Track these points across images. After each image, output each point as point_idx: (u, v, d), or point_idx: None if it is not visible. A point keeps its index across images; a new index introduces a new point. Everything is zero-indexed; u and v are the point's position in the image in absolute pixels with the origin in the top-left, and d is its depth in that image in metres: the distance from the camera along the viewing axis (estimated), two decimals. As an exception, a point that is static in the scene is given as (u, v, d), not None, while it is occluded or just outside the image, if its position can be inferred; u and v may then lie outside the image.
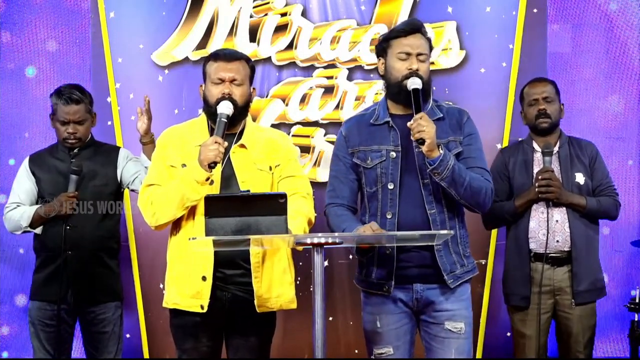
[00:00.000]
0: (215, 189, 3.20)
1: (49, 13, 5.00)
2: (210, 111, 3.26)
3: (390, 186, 3.20)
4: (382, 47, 3.28)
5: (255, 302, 3.20)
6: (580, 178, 4.06)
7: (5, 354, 4.95)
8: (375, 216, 3.21)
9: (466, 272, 3.25)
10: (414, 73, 3.17)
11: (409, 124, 3.07)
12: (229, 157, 3.26)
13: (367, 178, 3.26)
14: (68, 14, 5.00)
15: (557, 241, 3.99)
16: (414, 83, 3.14)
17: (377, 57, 3.32)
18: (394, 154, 3.21)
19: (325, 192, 3.37)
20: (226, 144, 3.15)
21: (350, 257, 4.84)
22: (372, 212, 3.24)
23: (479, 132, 3.33)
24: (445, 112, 3.29)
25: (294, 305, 3.34)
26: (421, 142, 3.04)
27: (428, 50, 3.24)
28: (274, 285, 3.24)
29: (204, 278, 3.18)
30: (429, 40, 3.27)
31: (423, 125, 3.03)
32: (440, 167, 3.07)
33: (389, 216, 3.19)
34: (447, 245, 3.19)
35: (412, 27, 3.23)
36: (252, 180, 3.24)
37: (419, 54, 3.20)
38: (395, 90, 3.22)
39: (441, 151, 3.08)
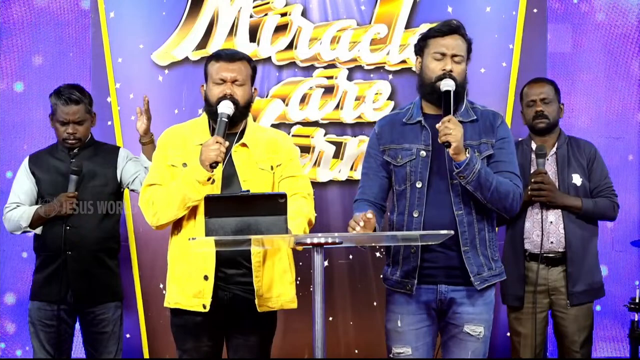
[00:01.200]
0: (216, 188, 3.21)
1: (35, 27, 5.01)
2: (212, 111, 3.26)
3: (419, 185, 3.20)
4: (419, 45, 3.28)
5: (256, 301, 3.20)
6: (577, 179, 4.05)
7: (19, 353, 4.96)
8: (403, 214, 3.21)
9: (493, 276, 3.24)
10: (447, 74, 3.16)
11: (437, 126, 3.08)
12: (230, 156, 3.26)
13: (396, 176, 3.27)
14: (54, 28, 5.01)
15: (552, 242, 3.99)
16: (447, 85, 3.14)
17: (415, 55, 3.31)
18: (424, 153, 3.21)
19: (357, 189, 3.38)
20: (227, 143, 3.15)
21: (350, 257, 4.84)
22: (400, 210, 3.25)
23: (512, 136, 3.33)
24: (479, 114, 3.28)
25: (294, 305, 3.34)
26: (447, 145, 3.05)
27: (465, 52, 3.23)
28: (274, 284, 3.24)
29: (206, 277, 3.18)
30: (468, 42, 3.26)
31: (450, 129, 3.03)
32: (466, 170, 3.07)
33: (415, 215, 3.19)
34: (475, 247, 3.19)
35: (450, 28, 3.22)
36: (253, 179, 3.25)
37: (454, 55, 3.20)
38: (428, 90, 3.22)
39: (467, 155, 3.07)
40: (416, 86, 3.31)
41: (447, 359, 3.26)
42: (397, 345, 3.25)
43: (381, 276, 3.39)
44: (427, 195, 3.19)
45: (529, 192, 3.94)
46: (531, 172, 4.05)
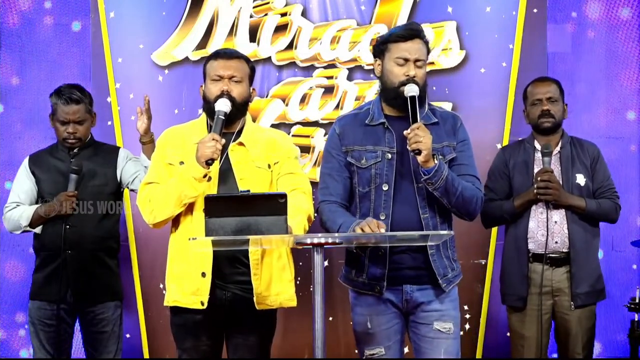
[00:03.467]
0: (213, 186, 3.22)
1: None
2: (210, 109, 3.27)
3: (385, 187, 3.20)
4: (380, 48, 3.28)
5: (255, 299, 3.21)
6: (580, 179, 4.05)
7: (23, 353, 4.96)
8: (367, 216, 3.19)
9: (456, 276, 3.28)
10: (411, 80, 3.17)
11: (405, 132, 3.08)
12: (227, 154, 3.27)
13: (360, 178, 3.26)
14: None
15: (556, 242, 3.99)
16: (411, 90, 3.15)
17: (374, 57, 3.32)
18: (389, 155, 3.21)
19: (318, 190, 3.36)
20: (224, 141, 3.17)
21: (350, 257, 4.84)
22: (363, 212, 3.24)
23: (470, 138, 3.34)
24: (439, 116, 3.30)
25: (293, 303, 3.34)
26: (417, 152, 3.05)
27: (426, 56, 3.25)
28: (273, 282, 3.25)
29: (203, 274, 3.19)
30: (427, 44, 3.26)
31: (420, 136, 3.04)
32: (435, 177, 3.08)
33: (382, 217, 3.19)
34: (439, 249, 3.21)
35: (411, 33, 3.23)
36: (250, 178, 3.25)
37: (416, 60, 3.20)
38: (392, 95, 3.23)
39: (436, 161, 3.09)
40: (378, 89, 3.32)
41: (422, 358, 3.25)
42: (370, 347, 3.26)
43: (339, 278, 3.37)
44: (394, 197, 3.19)
45: (535, 191, 3.94)
46: (535, 171, 4.05)
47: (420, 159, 3.06)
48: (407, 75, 3.18)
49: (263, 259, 3.23)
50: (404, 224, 3.17)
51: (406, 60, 3.20)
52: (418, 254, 3.19)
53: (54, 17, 5.02)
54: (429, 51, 3.28)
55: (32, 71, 5.01)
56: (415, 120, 3.09)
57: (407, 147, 3.08)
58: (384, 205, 3.19)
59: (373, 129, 3.27)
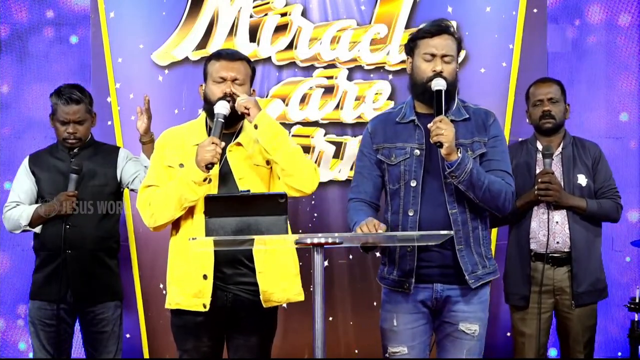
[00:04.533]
0: (213, 188, 3.21)
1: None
2: (210, 110, 3.27)
3: (413, 184, 3.20)
4: (409, 46, 3.29)
5: (261, 297, 3.20)
6: (582, 180, 4.05)
7: (22, 345, 4.96)
8: (398, 214, 3.21)
9: (487, 274, 3.24)
10: (438, 74, 3.17)
11: (428, 125, 3.09)
12: (226, 155, 3.26)
13: (390, 175, 3.27)
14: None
15: (557, 242, 3.99)
16: (438, 84, 3.15)
17: (406, 55, 3.32)
18: (417, 152, 3.21)
19: (350, 188, 3.38)
20: (223, 144, 3.16)
21: (350, 257, 4.84)
22: (394, 209, 3.25)
23: (504, 134, 3.33)
24: (471, 112, 3.28)
25: (301, 297, 3.33)
26: (439, 145, 3.05)
27: (455, 52, 3.23)
28: (279, 278, 3.24)
29: (204, 277, 3.18)
30: (458, 40, 3.26)
31: (442, 129, 3.04)
32: (458, 170, 3.07)
33: (410, 214, 3.19)
34: (470, 245, 3.19)
35: (439, 28, 3.22)
36: (249, 176, 3.25)
37: (444, 56, 3.19)
38: (420, 91, 3.23)
39: (459, 154, 3.08)
40: (407, 86, 3.33)
41: (442, 358, 3.26)
42: (393, 345, 3.25)
43: (377, 278, 3.39)
44: (422, 194, 3.19)
45: (536, 192, 3.94)
46: (536, 171, 4.05)
47: (442, 151, 3.06)
48: (434, 71, 3.18)
49: (267, 256, 3.23)
50: (431, 220, 3.16)
51: (433, 55, 3.19)
52: (447, 251, 3.18)
53: (53, 28, 5.03)
54: (460, 47, 3.28)
55: (33, 71, 5.02)
56: (439, 114, 3.09)
57: (430, 139, 3.08)
58: (412, 202, 3.19)
59: (404, 126, 3.27)
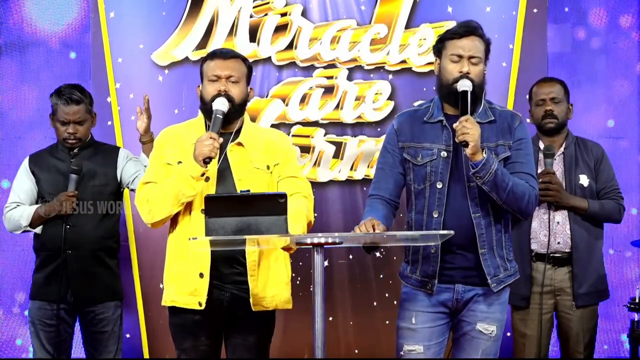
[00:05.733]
0: (211, 186, 3.21)
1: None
2: (207, 109, 3.27)
3: (439, 185, 3.19)
4: (437, 47, 3.28)
5: (251, 300, 3.20)
6: (584, 180, 4.05)
7: (19, 342, 4.97)
8: (422, 214, 3.21)
9: (509, 277, 3.24)
10: (464, 76, 3.16)
11: (454, 125, 3.08)
12: (225, 155, 3.26)
13: (415, 175, 3.25)
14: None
15: (558, 243, 3.99)
16: (464, 85, 3.14)
17: (434, 56, 3.31)
18: (445, 154, 3.20)
19: (371, 183, 3.36)
20: (221, 140, 3.16)
21: (350, 257, 4.84)
22: (418, 209, 3.24)
23: (530, 138, 3.32)
24: (497, 115, 3.27)
25: (289, 306, 3.34)
26: (465, 144, 3.05)
27: (482, 54, 3.22)
28: (269, 284, 3.24)
29: (201, 275, 3.19)
30: (486, 43, 3.25)
31: (467, 128, 3.03)
32: (483, 170, 3.06)
33: (435, 215, 3.18)
34: (492, 248, 3.19)
35: (466, 30, 3.22)
36: (248, 178, 3.24)
37: (471, 57, 3.19)
38: (446, 92, 3.22)
39: (484, 155, 3.07)
40: (435, 87, 3.32)
41: (456, 358, 3.26)
42: (409, 343, 3.24)
43: (398, 274, 3.37)
44: (447, 196, 3.19)
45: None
46: (539, 171, 4.05)
47: (467, 151, 3.05)
48: (461, 72, 3.17)
49: (260, 261, 3.22)
50: (455, 222, 3.15)
51: (460, 57, 3.19)
52: (470, 253, 3.17)
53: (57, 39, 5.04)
54: (488, 49, 3.27)
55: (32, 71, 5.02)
56: (464, 114, 3.09)
57: (455, 139, 3.08)
58: (438, 203, 3.19)
59: (431, 126, 3.26)
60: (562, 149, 4.10)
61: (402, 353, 3.26)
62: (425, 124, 3.26)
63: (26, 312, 4.78)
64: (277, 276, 3.27)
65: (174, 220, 3.29)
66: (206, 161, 3.12)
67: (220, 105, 3.21)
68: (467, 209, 3.17)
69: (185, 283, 3.22)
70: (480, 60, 3.21)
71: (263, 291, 3.22)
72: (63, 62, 5.00)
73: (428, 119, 3.27)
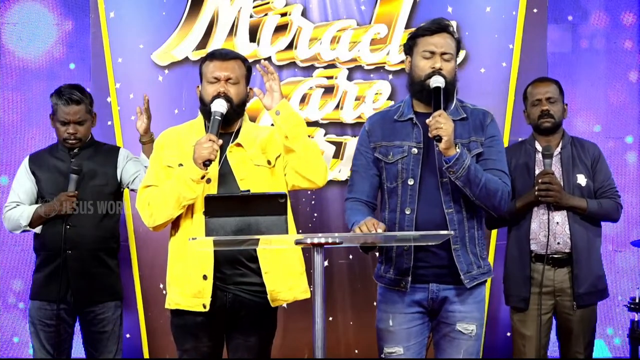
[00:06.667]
0: (212, 188, 3.21)
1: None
2: (206, 110, 3.26)
3: (411, 182, 3.20)
4: (408, 45, 3.29)
5: (269, 297, 3.20)
6: (582, 179, 4.05)
7: (16, 339, 4.97)
8: (395, 212, 3.21)
9: (482, 274, 3.24)
10: (436, 72, 3.17)
11: (427, 120, 3.08)
12: (225, 156, 3.26)
13: (387, 173, 3.26)
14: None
15: (558, 243, 3.99)
16: (436, 81, 3.15)
17: (405, 54, 3.32)
18: (415, 150, 3.21)
19: (347, 186, 3.38)
20: (221, 141, 3.15)
21: (350, 257, 4.84)
22: (391, 207, 3.24)
23: (501, 135, 3.33)
24: (469, 112, 3.28)
25: (307, 295, 3.32)
26: (438, 139, 3.05)
27: (454, 50, 3.24)
28: (285, 277, 3.24)
29: (204, 277, 3.18)
30: (457, 40, 3.26)
31: (441, 123, 3.04)
32: (456, 165, 3.07)
33: (407, 212, 3.19)
34: (465, 245, 3.19)
35: (438, 26, 3.23)
36: (250, 177, 3.24)
37: (443, 53, 3.20)
38: (418, 89, 3.23)
39: (458, 150, 3.08)
40: (406, 85, 3.33)
41: (440, 358, 3.26)
42: (389, 345, 3.25)
43: (373, 276, 3.38)
44: (419, 192, 3.19)
45: (536, 193, 3.94)
46: (536, 171, 4.04)
47: (441, 146, 3.06)
48: (433, 68, 3.18)
49: (273, 256, 3.22)
50: (428, 219, 3.16)
51: (432, 53, 3.20)
52: (442, 251, 3.17)
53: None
54: (459, 46, 3.28)
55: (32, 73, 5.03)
56: (438, 109, 3.09)
57: (429, 134, 3.08)
58: (410, 200, 3.19)
59: (402, 124, 3.27)
60: (558, 149, 4.10)
61: (383, 355, 3.27)
62: (396, 123, 3.28)
63: (21, 305, 4.80)
64: (292, 268, 3.27)
65: (175, 223, 3.28)
66: (206, 164, 3.11)
67: (219, 107, 3.20)
68: (440, 206, 3.17)
69: (189, 285, 3.21)
70: (452, 57, 3.22)
71: (280, 285, 3.22)
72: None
73: (398, 117, 3.28)
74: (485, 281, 3.27)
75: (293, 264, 3.28)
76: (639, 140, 5.05)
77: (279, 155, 3.30)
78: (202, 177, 3.15)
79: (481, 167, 3.18)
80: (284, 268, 3.24)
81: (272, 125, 4.70)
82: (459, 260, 3.17)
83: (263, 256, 3.20)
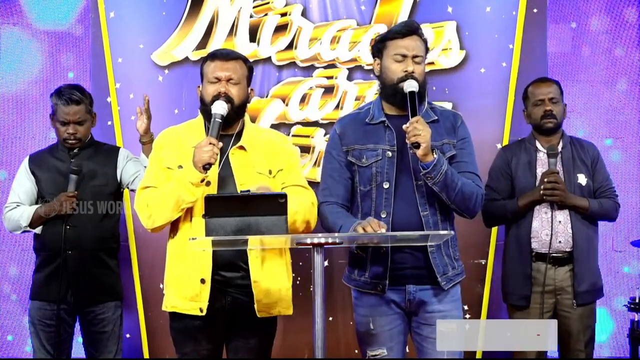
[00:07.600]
0: (212, 191, 3.19)
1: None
2: (207, 110, 3.25)
3: (386, 185, 3.20)
4: (378, 47, 3.29)
5: (256, 306, 3.19)
6: (582, 179, 4.06)
7: (10, 338, 4.97)
8: (369, 215, 3.19)
9: (457, 275, 3.27)
10: (409, 75, 3.17)
11: (404, 126, 3.08)
12: (227, 158, 3.25)
13: (361, 177, 3.26)
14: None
15: (560, 242, 3.99)
16: (410, 86, 3.15)
17: (373, 57, 3.32)
18: (390, 154, 3.21)
19: (318, 191, 3.36)
20: (221, 144, 3.14)
21: (350, 257, 4.84)
22: (365, 211, 3.24)
23: (471, 136, 3.34)
24: (439, 114, 3.30)
25: (290, 312, 3.33)
26: (416, 145, 3.05)
27: (424, 52, 3.25)
28: (273, 291, 3.23)
29: (202, 281, 3.17)
30: (425, 42, 3.27)
31: (419, 129, 3.04)
32: (434, 171, 3.08)
33: (383, 215, 3.19)
34: (440, 247, 3.21)
35: (409, 29, 3.24)
36: (250, 183, 3.21)
37: (414, 56, 3.21)
38: (391, 92, 3.23)
39: (435, 155, 3.08)
40: (378, 88, 3.33)
41: (426, 358, 3.26)
42: (372, 348, 3.26)
43: (342, 279, 3.38)
44: (395, 195, 3.19)
45: (542, 192, 3.94)
46: (537, 170, 4.05)
47: (419, 152, 3.06)
48: (406, 72, 3.18)
49: (263, 266, 3.21)
50: (404, 222, 3.17)
51: (404, 56, 3.20)
52: (419, 252, 3.18)
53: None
54: (427, 49, 3.28)
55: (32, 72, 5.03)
56: (414, 115, 3.09)
57: (406, 140, 3.07)
58: (385, 204, 3.19)
59: (373, 127, 3.27)
60: (559, 148, 4.10)
61: (367, 358, 3.27)
62: (368, 126, 3.27)
63: (14, 297, 4.79)
64: (280, 283, 3.26)
65: (174, 226, 3.27)
66: (206, 167, 3.10)
67: (219, 109, 3.19)
68: (415, 208, 3.18)
69: (186, 288, 3.20)
70: (423, 59, 3.24)
71: (266, 297, 3.21)
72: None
73: (370, 120, 3.28)
74: (460, 282, 3.29)
75: (282, 279, 3.27)
76: (638, 140, 5.05)
77: (280, 170, 3.29)
78: (202, 181, 3.14)
79: (455, 170, 3.18)
80: (272, 283, 3.22)
81: (272, 126, 4.74)
82: (435, 263, 3.19)
83: (254, 265, 3.18)
